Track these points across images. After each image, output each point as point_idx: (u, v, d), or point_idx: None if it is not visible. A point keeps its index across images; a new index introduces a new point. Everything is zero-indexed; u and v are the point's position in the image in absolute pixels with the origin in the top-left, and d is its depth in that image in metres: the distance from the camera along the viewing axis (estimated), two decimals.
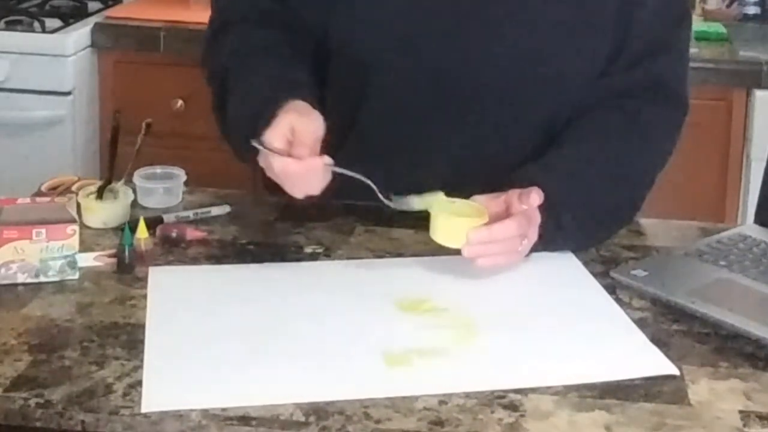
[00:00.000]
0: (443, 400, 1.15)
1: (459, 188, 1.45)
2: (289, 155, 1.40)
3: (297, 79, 1.53)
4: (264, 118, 1.43)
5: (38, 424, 1.12)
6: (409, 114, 1.60)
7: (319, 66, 1.62)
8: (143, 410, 1.12)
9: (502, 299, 1.39)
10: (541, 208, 1.43)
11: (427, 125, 1.59)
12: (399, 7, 1.57)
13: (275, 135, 1.42)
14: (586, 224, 1.50)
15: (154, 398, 1.14)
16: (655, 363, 1.24)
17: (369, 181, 1.42)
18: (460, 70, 1.56)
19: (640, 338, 1.30)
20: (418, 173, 1.58)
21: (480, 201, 1.44)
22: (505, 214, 1.42)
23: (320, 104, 1.50)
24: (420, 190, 1.47)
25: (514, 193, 1.43)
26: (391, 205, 1.43)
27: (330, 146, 1.48)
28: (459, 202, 1.44)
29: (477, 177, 1.50)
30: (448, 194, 1.44)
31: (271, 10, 1.63)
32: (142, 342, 1.25)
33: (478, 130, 1.59)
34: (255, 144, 1.42)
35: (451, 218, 1.41)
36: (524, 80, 1.57)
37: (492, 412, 1.13)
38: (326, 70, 1.63)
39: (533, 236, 1.43)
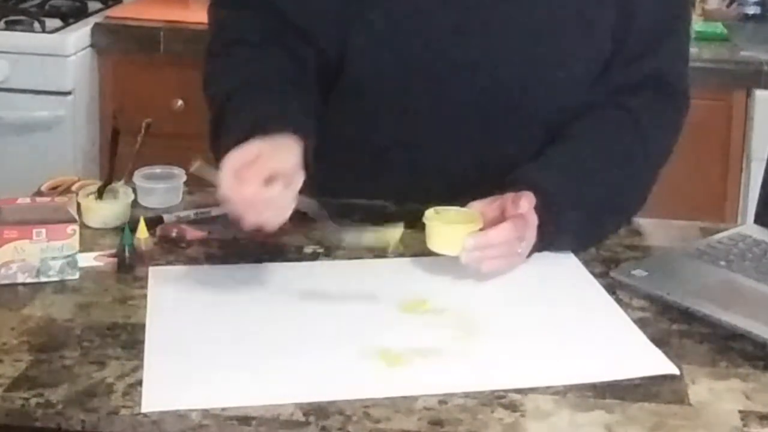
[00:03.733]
0: (443, 400, 1.15)
1: (465, 194, 1.46)
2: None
3: (287, 110, 1.46)
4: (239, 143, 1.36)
5: (38, 424, 1.12)
6: (418, 122, 1.59)
7: (323, 85, 1.59)
8: (143, 410, 1.12)
9: (501, 299, 1.39)
10: (540, 208, 1.43)
11: (438, 133, 1.59)
12: (412, 22, 1.55)
13: (237, 156, 1.33)
14: (587, 224, 1.50)
15: (154, 398, 1.14)
16: (655, 363, 1.24)
17: (322, 211, 1.36)
18: (466, 77, 1.55)
19: (640, 338, 1.30)
20: (428, 181, 1.58)
21: (476, 207, 1.44)
22: (501, 218, 1.42)
23: (317, 130, 1.46)
24: (430, 197, 1.47)
25: (508, 198, 1.43)
26: (341, 237, 1.37)
27: (337, 161, 1.50)
28: (450, 211, 1.44)
29: (483, 182, 1.50)
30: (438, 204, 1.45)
31: (274, 31, 1.58)
32: (142, 342, 1.25)
33: (486, 136, 1.59)
34: (195, 167, 1.35)
35: (446, 226, 1.41)
36: (533, 85, 1.57)
37: (492, 412, 1.13)
38: (330, 88, 1.60)
39: (531, 237, 1.43)
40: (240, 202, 1.32)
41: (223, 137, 1.44)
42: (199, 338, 1.26)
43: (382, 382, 1.18)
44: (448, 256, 1.41)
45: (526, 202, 1.41)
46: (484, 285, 1.41)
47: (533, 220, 1.43)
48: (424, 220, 1.43)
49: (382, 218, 1.59)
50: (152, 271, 1.42)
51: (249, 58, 1.57)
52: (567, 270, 1.47)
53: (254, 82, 1.52)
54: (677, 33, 1.63)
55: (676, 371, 1.22)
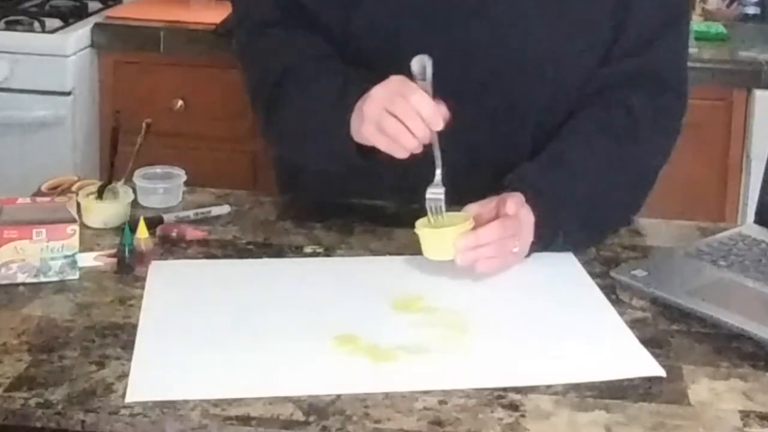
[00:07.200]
0: (443, 400, 1.15)
1: (463, 190, 1.46)
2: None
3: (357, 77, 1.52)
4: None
5: (38, 424, 1.12)
6: None
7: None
8: (127, 400, 1.12)
9: (495, 298, 1.39)
10: (538, 209, 1.43)
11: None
12: (410, 5, 1.56)
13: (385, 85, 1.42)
14: (586, 223, 1.50)
15: (139, 388, 1.14)
16: (642, 364, 1.23)
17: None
18: (465, 66, 1.55)
19: (630, 339, 1.29)
20: (425, 177, 1.58)
21: (472, 209, 1.44)
22: (495, 220, 1.42)
23: None
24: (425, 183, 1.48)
25: (502, 199, 1.43)
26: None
27: None
28: (442, 217, 1.43)
29: (480, 178, 1.50)
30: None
31: (290, 13, 1.60)
32: None
33: (483, 130, 1.58)
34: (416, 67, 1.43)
35: (437, 231, 1.41)
36: (529, 78, 1.56)
37: (492, 412, 1.13)
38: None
39: (527, 236, 1.43)
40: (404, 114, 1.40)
41: (301, 115, 1.54)
42: (191, 330, 1.27)
43: (370, 378, 1.18)
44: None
45: (512, 204, 1.41)
46: (478, 283, 1.41)
47: (527, 218, 1.43)
48: (416, 230, 1.42)
49: (382, 219, 1.59)
50: (153, 264, 1.43)
51: (290, 37, 1.61)
52: (562, 269, 1.47)
53: (313, 55, 1.57)
54: (674, 32, 1.63)
55: (662, 373, 1.22)
